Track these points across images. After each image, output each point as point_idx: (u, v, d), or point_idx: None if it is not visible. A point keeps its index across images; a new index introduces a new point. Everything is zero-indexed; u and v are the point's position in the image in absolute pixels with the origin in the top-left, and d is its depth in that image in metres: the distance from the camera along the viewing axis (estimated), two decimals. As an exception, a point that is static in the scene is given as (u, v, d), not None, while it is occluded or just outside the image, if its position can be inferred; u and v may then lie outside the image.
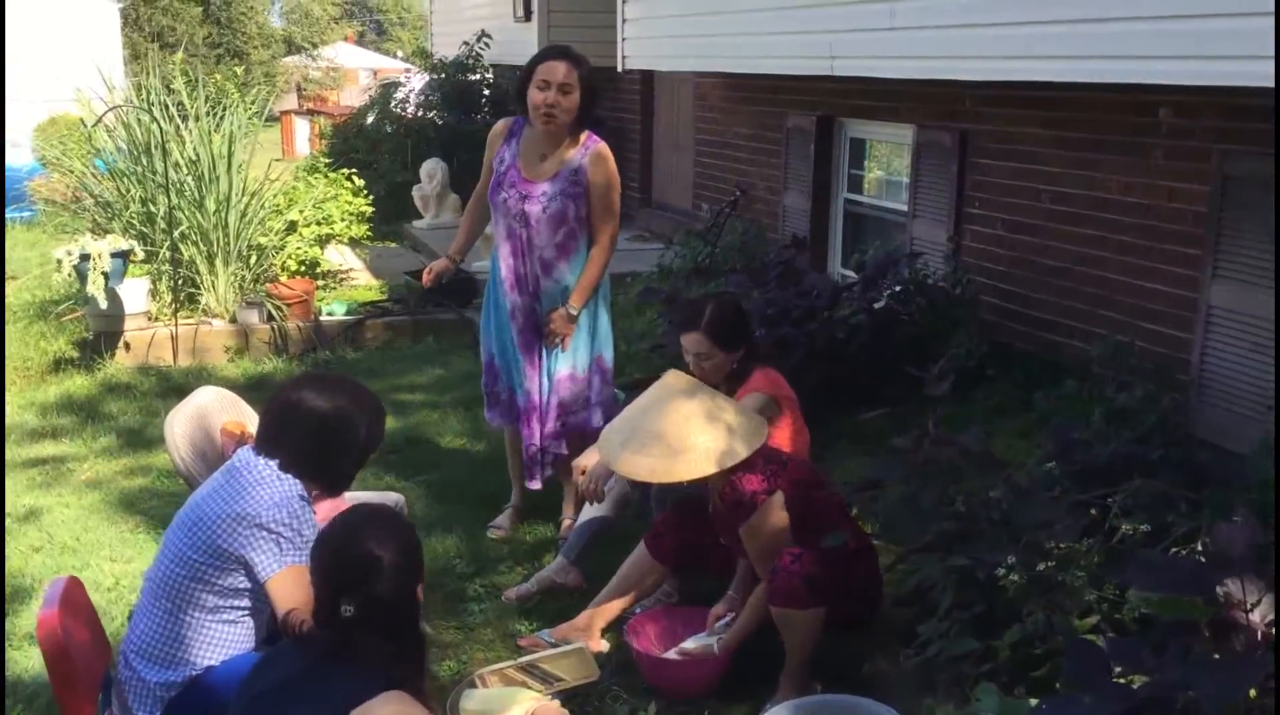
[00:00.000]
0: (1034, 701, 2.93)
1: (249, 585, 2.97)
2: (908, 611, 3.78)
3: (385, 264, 10.42)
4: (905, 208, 7.36)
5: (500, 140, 4.89)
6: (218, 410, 4.05)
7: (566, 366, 4.95)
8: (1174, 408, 4.42)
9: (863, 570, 3.80)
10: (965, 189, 6.73)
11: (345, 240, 9.88)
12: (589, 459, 4.31)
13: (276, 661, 2.54)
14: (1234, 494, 3.19)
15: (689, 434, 3.68)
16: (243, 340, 8.18)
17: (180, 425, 3.94)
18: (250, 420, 4.12)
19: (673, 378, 3.92)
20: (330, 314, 8.58)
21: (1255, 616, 2.41)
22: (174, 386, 7.28)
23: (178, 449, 3.88)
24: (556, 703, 2.87)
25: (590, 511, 4.61)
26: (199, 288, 8.35)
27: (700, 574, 4.30)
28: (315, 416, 3.01)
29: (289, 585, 2.91)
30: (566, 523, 5.14)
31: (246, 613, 3.02)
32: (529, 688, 3.70)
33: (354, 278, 10.00)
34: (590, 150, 4.79)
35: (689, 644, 3.90)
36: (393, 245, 11.75)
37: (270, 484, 2.96)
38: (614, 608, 4.19)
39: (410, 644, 2.48)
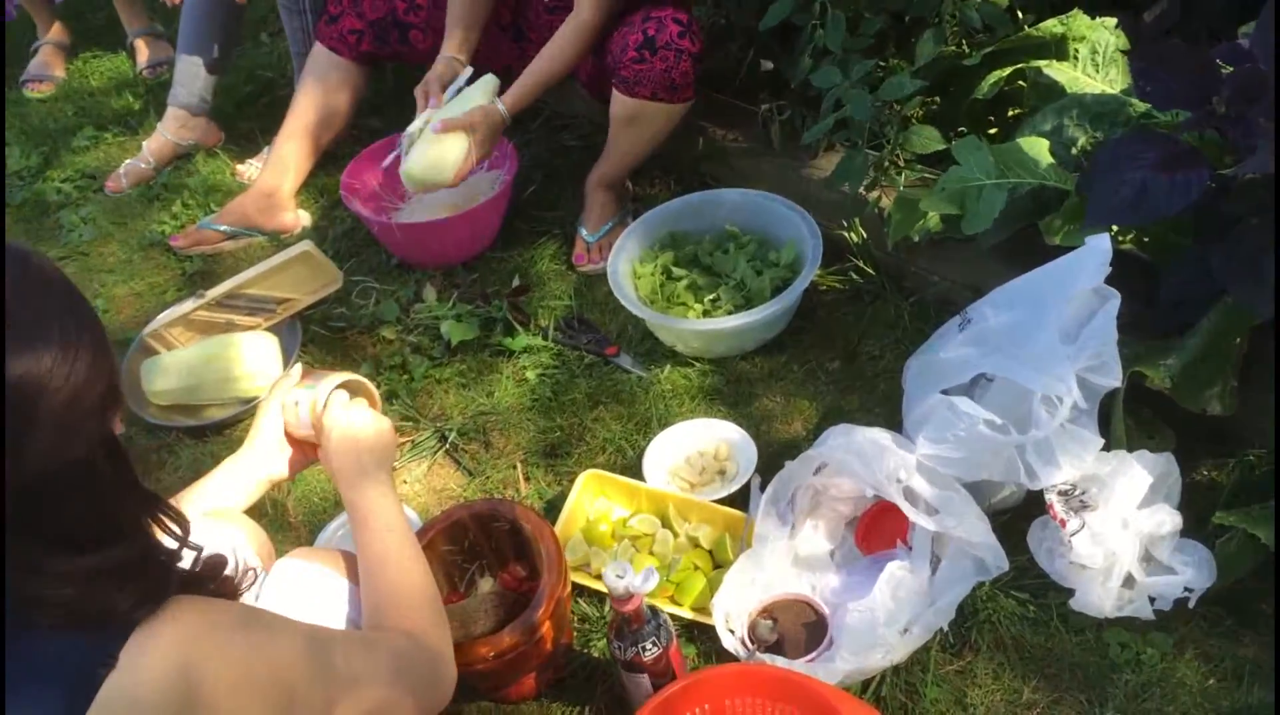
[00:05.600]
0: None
1: None
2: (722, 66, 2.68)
3: None
4: None
5: None
6: None
7: None
8: None
9: None
10: None
11: None
12: None
13: None
14: None
15: None
16: None
17: None
18: None
19: None
20: None
21: None
22: None
23: None
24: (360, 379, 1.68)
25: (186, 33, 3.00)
26: None
27: (410, 63, 2.90)
28: None
29: None
30: (139, 44, 3.49)
31: None
32: (234, 328, 2.41)
33: None
34: None
35: (443, 111, 2.46)
36: None
37: None
38: (304, 157, 2.79)
39: (136, 534, 1.09)
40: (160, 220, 2.88)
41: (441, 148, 2.39)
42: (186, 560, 1.17)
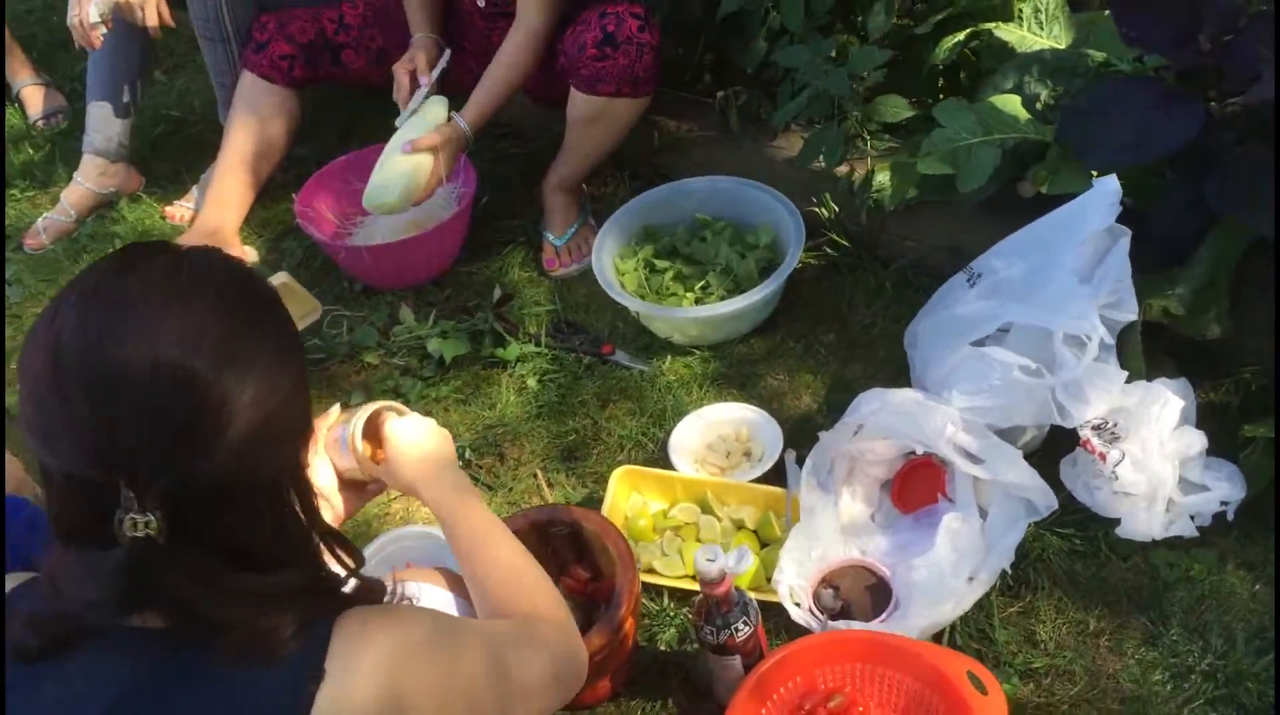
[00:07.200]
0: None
1: None
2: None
3: None
4: None
5: None
6: None
7: None
8: None
9: None
10: None
11: None
12: None
13: None
14: None
15: None
16: None
17: None
18: None
19: None
20: None
21: None
22: None
23: None
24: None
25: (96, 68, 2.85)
26: None
27: (343, 82, 2.81)
28: None
29: None
30: (27, 95, 3.32)
31: None
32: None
33: None
34: None
35: (404, 132, 2.42)
36: None
37: None
38: (245, 191, 2.69)
39: (309, 561, 1.07)
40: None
41: (414, 171, 2.34)
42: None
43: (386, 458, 1.52)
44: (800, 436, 2.09)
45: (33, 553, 1.49)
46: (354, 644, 1.00)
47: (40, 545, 1.53)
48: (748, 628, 1.66)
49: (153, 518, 0.93)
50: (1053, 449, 1.98)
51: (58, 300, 1.00)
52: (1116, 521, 1.86)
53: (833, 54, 2.24)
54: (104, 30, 2.56)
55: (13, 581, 1.11)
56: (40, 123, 3.27)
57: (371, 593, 1.12)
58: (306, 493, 1.06)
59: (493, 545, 1.37)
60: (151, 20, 2.55)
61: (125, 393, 0.93)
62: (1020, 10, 2.29)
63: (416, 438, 1.48)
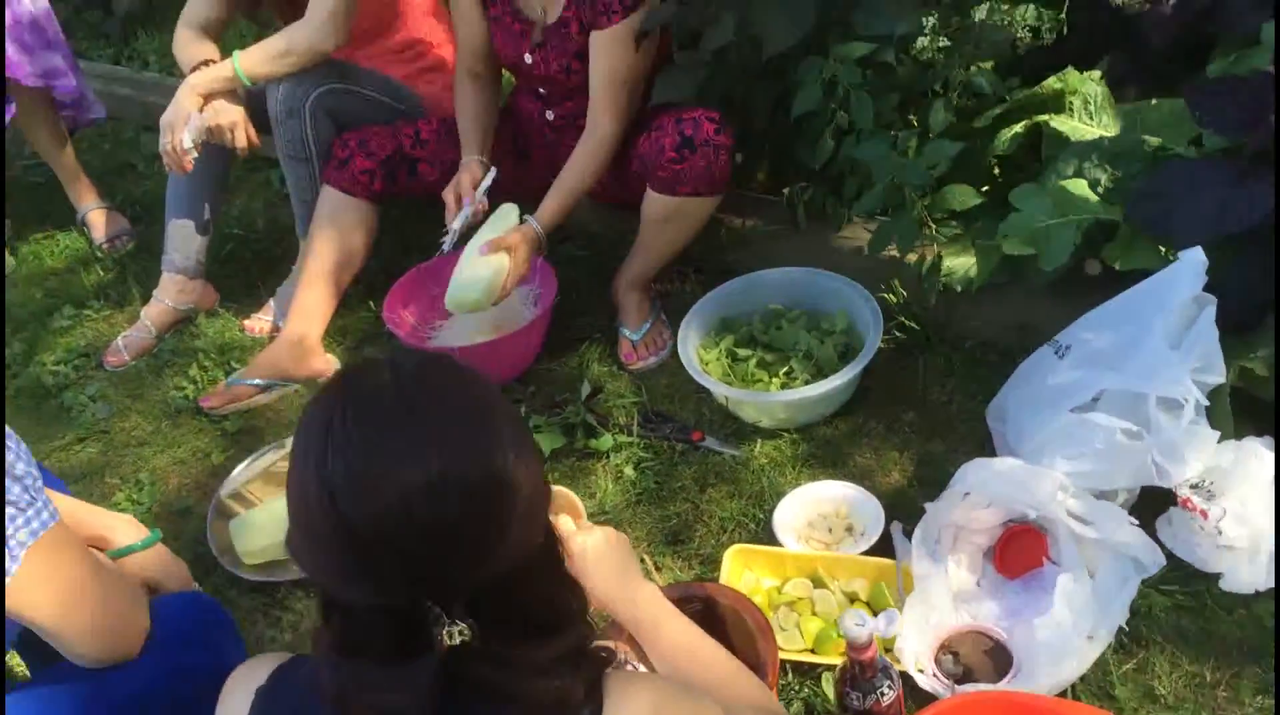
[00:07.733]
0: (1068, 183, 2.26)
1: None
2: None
3: None
4: None
5: None
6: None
7: None
8: None
9: None
10: None
11: None
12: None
13: None
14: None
15: None
16: None
17: None
18: None
19: None
20: None
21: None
22: None
23: None
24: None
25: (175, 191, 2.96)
26: None
27: (418, 194, 2.89)
28: None
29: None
30: (92, 219, 3.43)
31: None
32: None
33: None
34: None
35: (480, 236, 2.53)
36: None
37: None
38: (327, 301, 2.78)
39: (578, 617, 1.14)
40: (179, 386, 2.81)
41: (492, 272, 2.45)
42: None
43: (576, 575, 1.57)
44: (897, 510, 2.17)
45: (175, 651, 1.54)
46: (623, 700, 1.07)
47: (180, 643, 1.59)
48: (892, 692, 1.72)
49: (465, 625, 1.01)
50: (1143, 509, 2.07)
51: (308, 444, 1.02)
52: (1217, 576, 1.94)
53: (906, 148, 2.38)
54: (195, 154, 2.68)
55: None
56: (105, 245, 3.37)
57: (610, 653, 1.19)
58: (558, 549, 1.13)
59: (698, 656, 1.43)
60: (241, 142, 2.68)
61: (415, 524, 0.98)
62: (1071, 103, 2.45)
63: (603, 559, 1.51)
